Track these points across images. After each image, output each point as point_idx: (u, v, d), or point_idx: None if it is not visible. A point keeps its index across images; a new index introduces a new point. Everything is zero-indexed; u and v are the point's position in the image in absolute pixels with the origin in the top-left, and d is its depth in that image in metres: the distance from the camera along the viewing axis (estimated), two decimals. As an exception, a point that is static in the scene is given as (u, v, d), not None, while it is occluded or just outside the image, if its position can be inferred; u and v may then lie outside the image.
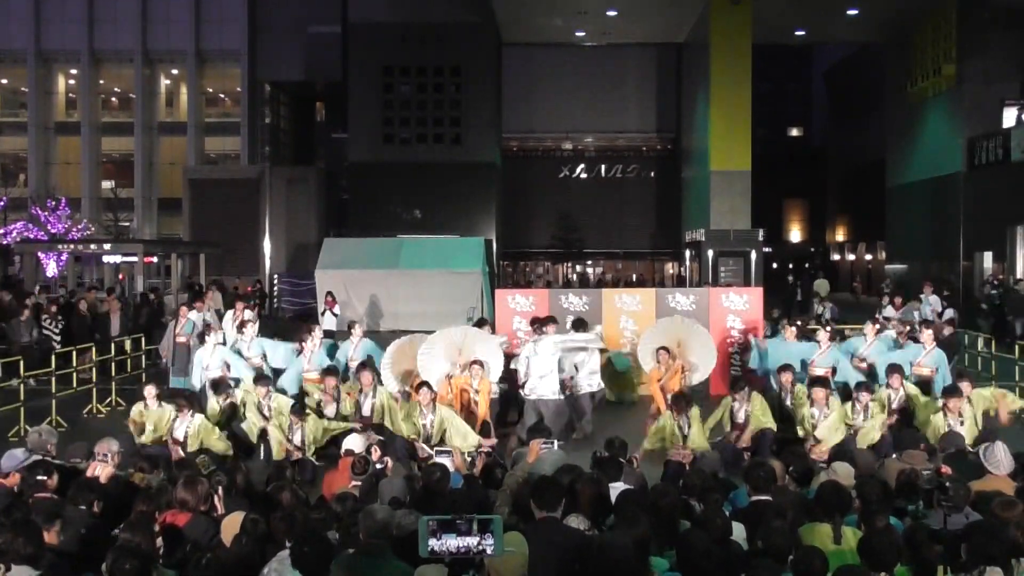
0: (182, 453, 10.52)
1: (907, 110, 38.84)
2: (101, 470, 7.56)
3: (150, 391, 11.50)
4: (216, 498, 6.58)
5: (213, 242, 37.05)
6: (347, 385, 12.44)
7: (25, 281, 30.43)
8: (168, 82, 53.35)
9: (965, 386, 10.86)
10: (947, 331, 17.13)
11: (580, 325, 14.19)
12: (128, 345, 17.74)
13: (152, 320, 21.73)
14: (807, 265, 55.64)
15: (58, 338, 19.18)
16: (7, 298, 21.60)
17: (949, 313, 20.79)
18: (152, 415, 11.28)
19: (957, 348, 17.17)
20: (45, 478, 6.66)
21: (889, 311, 20.79)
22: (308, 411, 11.49)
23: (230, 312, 17.44)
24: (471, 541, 3.94)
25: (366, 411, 11.85)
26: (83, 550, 5.70)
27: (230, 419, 11.89)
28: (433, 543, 3.95)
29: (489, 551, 3.96)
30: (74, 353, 16.24)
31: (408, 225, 38.63)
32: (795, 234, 60.95)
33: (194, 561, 5.14)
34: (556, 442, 8.38)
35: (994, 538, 4.99)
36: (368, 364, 12.62)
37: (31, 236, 41.69)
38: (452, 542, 3.94)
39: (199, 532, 6.09)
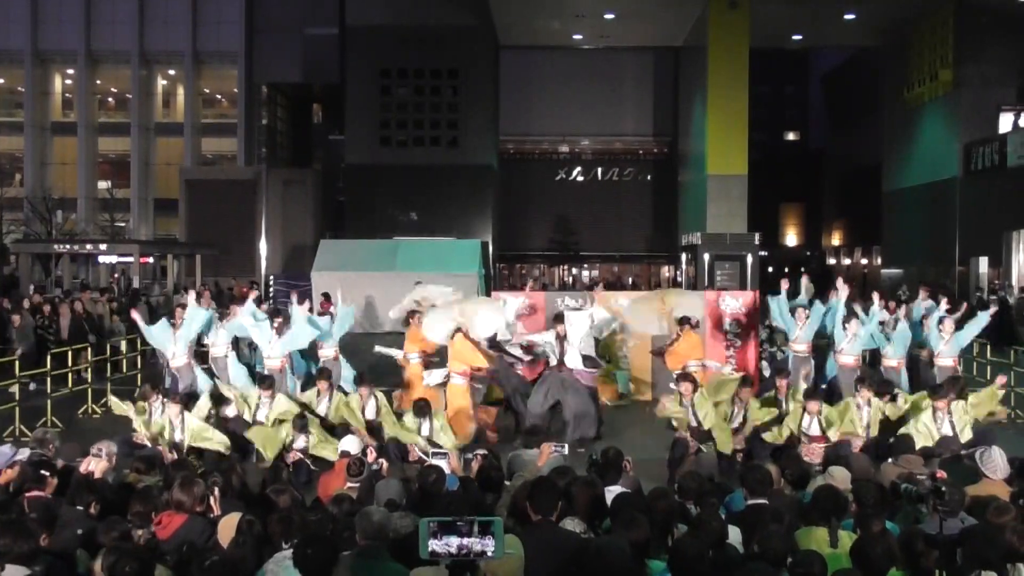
0: (174, 456, 10.48)
1: (904, 115, 38.91)
2: (95, 465, 7.54)
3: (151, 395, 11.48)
4: (212, 499, 6.57)
5: (209, 243, 37.08)
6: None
7: (21, 281, 30.41)
8: (165, 83, 53.31)
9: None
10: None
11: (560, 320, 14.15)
12: (124, 346, 17.72)
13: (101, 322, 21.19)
14: (802, 269, 55.72)
15: (52, 338, 19.12)
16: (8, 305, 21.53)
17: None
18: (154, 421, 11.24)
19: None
20: (47, 474, 6.66)
21: (883, 315, 20.80)
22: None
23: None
24: (471, 543, 3.94)
25: (321, 410, 11.99)
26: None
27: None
28: (433, 544, 3.94)
29: (489, 553, 3.95)
30: (70, 353, 16.22)
31: (405, 227, 38.65)
32: (791, 238, 61.03)
33: (196, 564, 5.13)
34: (567, 446, 8.38)
35: (989, 543, 5.00)
36: (324, 372, 12.65)
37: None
38: (452, 543, 3.93)
39: (195, 533, 6.08)
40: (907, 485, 6.58)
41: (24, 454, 7.62)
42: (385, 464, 8.80)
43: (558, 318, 13.45)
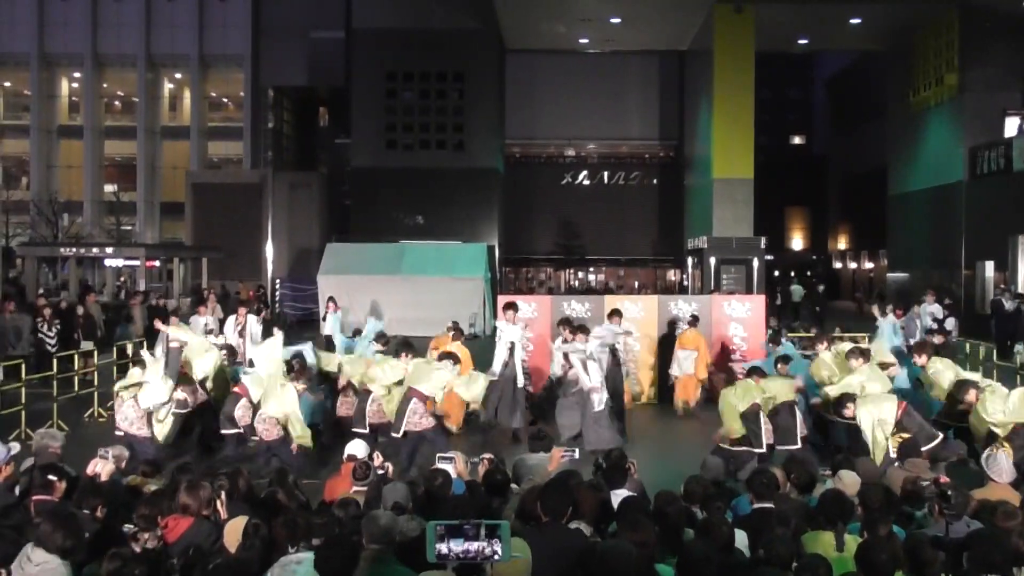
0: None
1: (909, 119, 38.84)
2: (102, 467, 7.55)
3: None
4: (219, 503, 6.58)
5: (215, 246, 37.09)
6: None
7: (27, 285, 30.46)
8: (171, 86, 53.46)
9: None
10: (937, 339, 17.13)
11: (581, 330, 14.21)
12: (130, 349, 17.76)
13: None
14: (807, 273, 55.72)
15: (53, 341, 19.15)
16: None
17: (950, 322, 20.82)
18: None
19: (952, 357, 17.13)
20: (55, 479, 6.66)
21: (890, 319, 20.81)
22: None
23: (232, 317, 17.47)
24: (479, 546, 3.94)
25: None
26: (87, 555, 5.70)
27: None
28: (440, 547, 3.95)
29: (496, 556, 3.95)
30: (75, 357, 16.27)
31: (410, 231, 38.62)
32: (797, 242, 60.96)
33: (200, 567, 5.14)
34: (577, 450, 8.38)
35: (996, 546, 4.99)
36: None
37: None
38: (459, 547, 3.94)
39: (202, 537, 6.08)
40: (917, 511, 6.60)
41: (16, 450, 7.62)
42: (391, 468, 8.81)
43: (564, 322, 13.48)
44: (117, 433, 11.11)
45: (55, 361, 15.74)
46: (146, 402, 11.18)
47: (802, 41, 42.90)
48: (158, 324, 13.93)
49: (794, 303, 35.29)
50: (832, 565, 4.97)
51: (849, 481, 7.17)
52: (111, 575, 4.84)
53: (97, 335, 20.65)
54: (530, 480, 6.93)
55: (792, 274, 48.07)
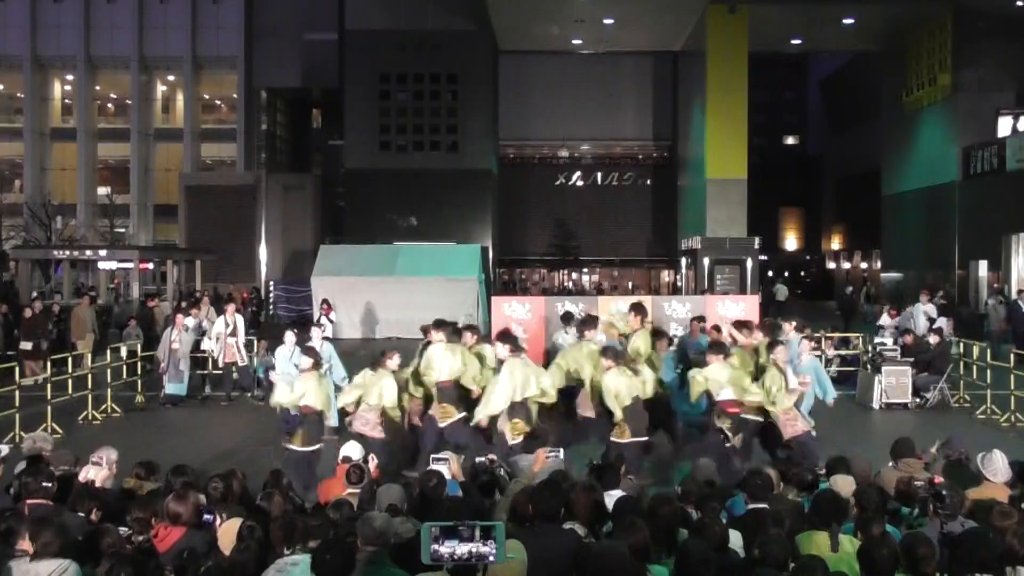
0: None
1: (903, 119, 38.92)
2: (95, 474, 7.49)
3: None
4: (217, 520, 6.48)
5: (209, 248, 37.05)
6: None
7: (20, 288, 30.36)
8: (164, 88, 53.35)
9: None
10: (933, 339, 17.18)
11: (568, 319, 14.27)
12: (124, 351, 17.70)
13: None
14: (801, 273, 55.81)
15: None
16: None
17: (942, 322, 20.85)
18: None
19: (948, 358, 17.20)
20: (48, 484, 6.61)
21: (885, 319, 20.88)
22: None
23: (221, 317, 17.55)
24: (474, 548, 3.93)
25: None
26: (81, 558, 5.67)
27: None
28: (436, 549, 3.93)
29: (492, 558, 3.94)
30: (70, 359, 16.22)
31: (404, 232, 38.59)
32: (791, 242, 61.04)
33: (192, 570, 5.11)
34: (562, 451, 8.36)
35: (985, 545, 4.99)
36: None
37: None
38: (454, 548, 3.93)
39: (196, 540, 6.04)
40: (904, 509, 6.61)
41: (4, 451, 7.59)
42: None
43: (566, 317, 13.48)
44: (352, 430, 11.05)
45: (49, 363, 15.71)
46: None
47: (796, 41, 42.99)
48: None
49: (778, 302, 35.39)
50: (828, 565, 4.96)
51: (844, 482, 7.18)
52: (105, 574, 4.82)
53: (45, 335, 20.32)
54: (517, 481, 6.91)
55: (786, 274, 48.21)
